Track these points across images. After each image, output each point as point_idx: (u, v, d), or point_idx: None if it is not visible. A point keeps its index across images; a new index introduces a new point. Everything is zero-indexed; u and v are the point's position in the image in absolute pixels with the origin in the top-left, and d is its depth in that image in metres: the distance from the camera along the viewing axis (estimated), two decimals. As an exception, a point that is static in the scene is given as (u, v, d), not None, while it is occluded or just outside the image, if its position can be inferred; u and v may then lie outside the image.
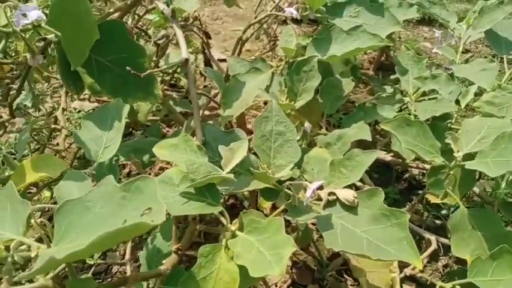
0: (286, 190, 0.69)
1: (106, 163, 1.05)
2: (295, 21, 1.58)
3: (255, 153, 0.72)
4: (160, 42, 1.32)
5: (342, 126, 0.97)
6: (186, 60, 0.66)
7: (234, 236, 0.57)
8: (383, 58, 2.04)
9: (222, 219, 0.61)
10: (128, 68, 0.63)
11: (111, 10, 0.83)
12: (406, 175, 1.50)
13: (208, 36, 1.74)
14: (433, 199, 0.89)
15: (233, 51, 1.18)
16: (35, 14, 0.60)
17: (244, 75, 1.00)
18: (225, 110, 0.95)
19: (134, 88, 0.70)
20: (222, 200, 0.61)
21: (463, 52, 1.19)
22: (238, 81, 0.99)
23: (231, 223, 0.59)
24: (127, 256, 0.95)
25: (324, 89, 1.05)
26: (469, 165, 0.75)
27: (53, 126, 0.85)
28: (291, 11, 1.03)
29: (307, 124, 0.94)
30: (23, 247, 0.47)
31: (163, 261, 0.61)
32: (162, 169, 0.89)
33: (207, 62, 1.32)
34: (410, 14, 1.24)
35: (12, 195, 0.48)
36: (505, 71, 1.11)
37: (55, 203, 0.60)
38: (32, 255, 0.47)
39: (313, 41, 0.99)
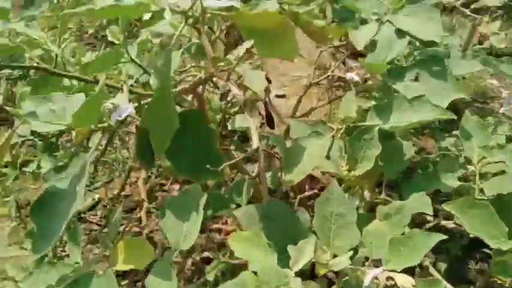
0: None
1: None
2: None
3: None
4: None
5: (402, 193, 0.98)
6: (257, 148, 0.71)
7: None
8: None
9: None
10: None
11: (187, 86, 0.92)
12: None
13: (268, 81, 1.80)
14: (500, 281, 0.86)
15: (293, 111, 1.23)
16: (127, 111, 0.68)
17: (305, 139, 1.03)
18: (286, 174, 0.99)
19: (205, 168, 0.77)
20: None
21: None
22: (299, 145, 1.03)
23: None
24: None
25: (384, 152, 1.06)
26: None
27: (135, 198, 0.94)
28: (352, 76, 1.06)
29: (366, 192, 0.96)
30: None
31: None
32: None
33: (269, 117, 1.37)
34: (474, 67, 1.22)
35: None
36: None
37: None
38: None
39: (374, 108, 1.01)
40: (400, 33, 1.11)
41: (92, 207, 1.93)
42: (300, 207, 0.76)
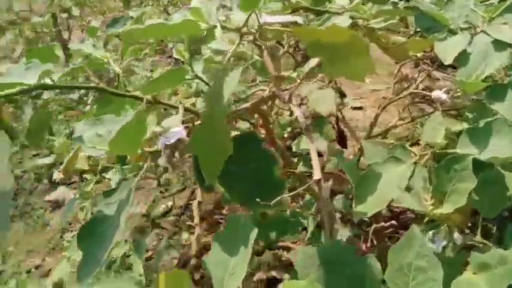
0: None
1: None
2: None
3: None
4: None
5: (507, 239, 0.80)
6: (319, 180, 0.61)
7: None
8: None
9: None
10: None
11: (244, 106, 0.85)
12: None
13: (343, 95, 1.68)
14: None
15: (370, 129, 1.10)
16: (177, 135, 0.63)
17: (381, 165, 0.90)
18: (358, 204, 0.87)
19: (264, 196, 0.69)
20: None
21: None
22: (374, 171, 0.90)
23: None
24: None
25: (479, 184, 0.88)
26: None
27: (188, 223, 0.90)
28: (439, 95, 0.91)
29: (457, 235, 0.80)
30: None
31: None
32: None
33: (341, 134, 1.26)
34: None
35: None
36: None
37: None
38: None
39: (467, 132, 0.85)
40: (499, 44, 0.93)
41: (166, 213, 1.98)
42: (371, 254, 0.63)
